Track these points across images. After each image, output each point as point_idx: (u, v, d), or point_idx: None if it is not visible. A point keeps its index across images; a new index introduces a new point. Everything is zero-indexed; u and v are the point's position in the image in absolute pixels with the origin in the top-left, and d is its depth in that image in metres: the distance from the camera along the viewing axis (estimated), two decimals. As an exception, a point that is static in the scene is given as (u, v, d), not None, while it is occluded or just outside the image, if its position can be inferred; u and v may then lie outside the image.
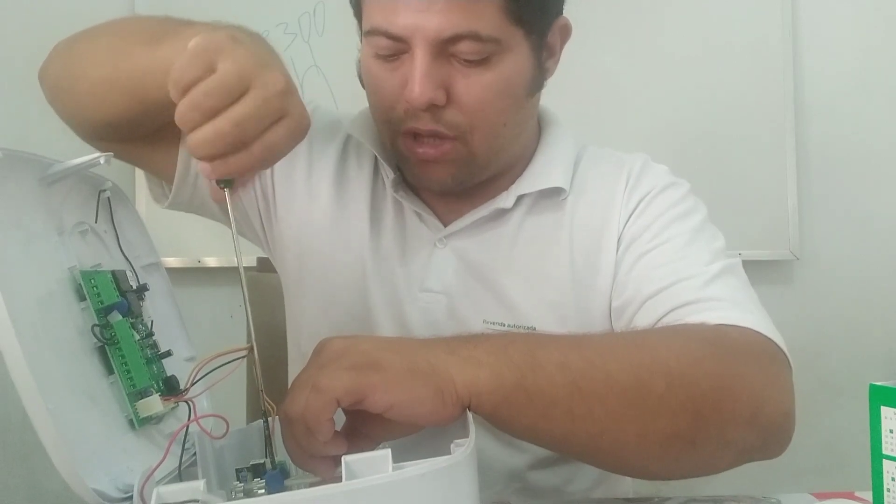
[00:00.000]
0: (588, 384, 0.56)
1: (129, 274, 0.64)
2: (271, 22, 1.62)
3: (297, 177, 0.82)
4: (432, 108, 0.69)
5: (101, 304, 0.57)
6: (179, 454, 0.55)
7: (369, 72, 0.74)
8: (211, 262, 1.63)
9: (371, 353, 0.53)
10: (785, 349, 0.66)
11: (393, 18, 0.67)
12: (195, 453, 0.57)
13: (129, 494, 0.49)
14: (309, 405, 0.51)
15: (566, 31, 0.78)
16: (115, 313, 0.58)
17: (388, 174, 0.80)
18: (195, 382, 0.55)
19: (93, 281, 0.57)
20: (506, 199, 0.78)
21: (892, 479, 0.54)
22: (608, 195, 0.79)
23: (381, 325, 0.78)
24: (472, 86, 0.70)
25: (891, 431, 0.54)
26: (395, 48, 0.69)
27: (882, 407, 0.54)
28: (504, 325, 0.76)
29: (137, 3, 1.64)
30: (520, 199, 0.79)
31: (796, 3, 1.68)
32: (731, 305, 0.68)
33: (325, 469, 0.53)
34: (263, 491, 0.53)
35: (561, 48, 0.79)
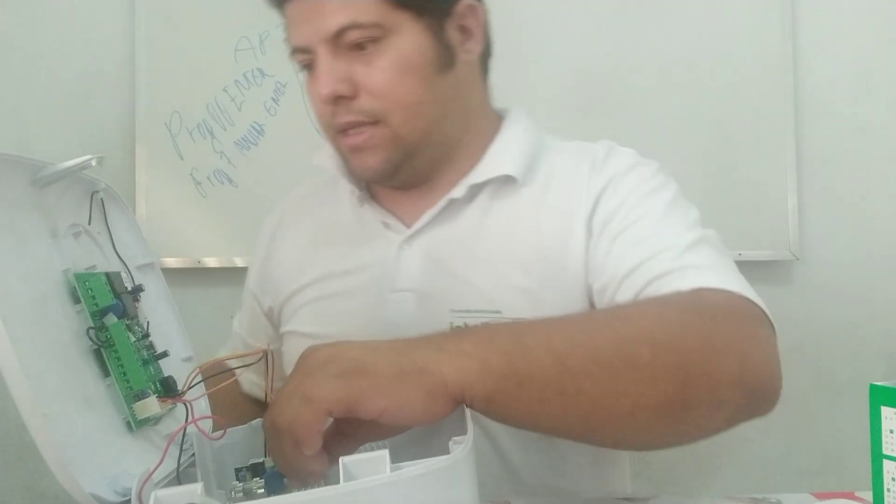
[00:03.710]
0: (575, 362, 0.55)
1: (123, 275, 0.64)
2: (272, 22, 1.62)
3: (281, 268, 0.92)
4: (344, 101, 0.76)
5: (96, 306, 0.57)
6: (178, 455, 0.55)
7: (307, 88, 0.82)
8: (211, 262, 1.63)
9: (359, 358, 0.53)
10: (766, 309, 0.67)
11: (296, 33, 0.78)
12: (193, 454, 0.56)
13: (128, 498, 0.49)
14: (299, 416, 0.50)
15: (475, 11, 0.81)
16: (110, 315, 0.58)
17: (353, 192, 0.87)
18: (192, 386, 0.55)
19: (87, 283, 0.57)
20: (458, 191, 0.81)
21: (893, 480, 0.54)
22: (573, 179, 0.81)
23: (362, 328, 0.81)
24: (373, 71, 0.76)
25: (891, 431, 0.54)
26: (308, 59, 0.78)
27: (882, 407, 0.54)
28: (470, 312, 0.77)
29: (137, 4, 1.64)
30: (476, 190, 0.82)
31: (796, 4, 1.68)
32: (707, 270, 0.69)
33: (314, 477, 0.52)
34: (263, 491, 0.53)
35: (481, 29, 0.82)
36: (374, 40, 0.75)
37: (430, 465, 0.44)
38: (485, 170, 0.82)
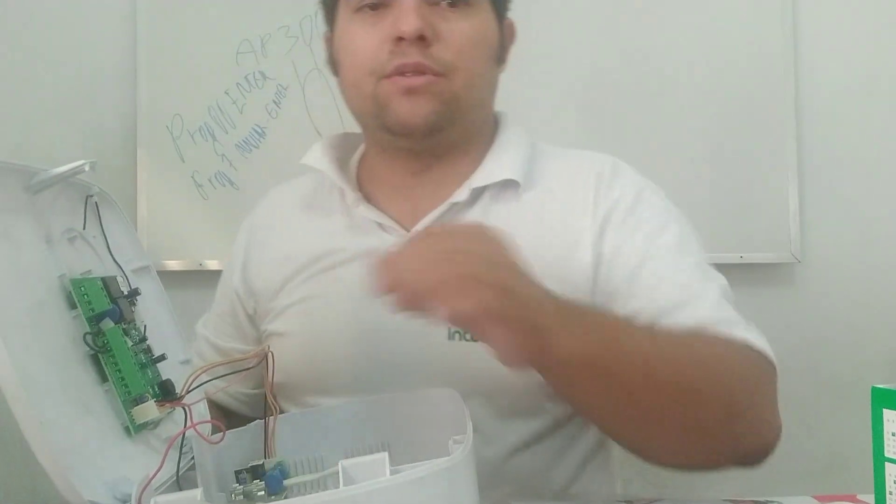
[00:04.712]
0: (654, 381, 0.61)
1: (119, 279, 0.63)
2: (273, 25, 1.63)
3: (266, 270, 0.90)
4: (420, 44, 0.75)
5: (93, 311, 0.57)
6: (177, 459, 0.55)
7: (349, 34, 0.80)
8: (212, 264, 1.63)
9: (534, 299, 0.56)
10: (774, 359, 0.73)
11: None
12: (193, 457, 0.56)
13: None
14: (485, 303, 0.51)
15: (512, 31, 0.88)
16: (106, 320, 0.57)
17: (348, 194, 0.85)
18: (190, 390, 0.55)
19: (83, 289, 0.57)
20: (460, 194, 0.82)
21: (895, 482, 0.54)
22: (576, 190, 0.82)
23: (353, 328, 0.81)
24: (454, 29, 0.78)
25: (893, 434, 0.54)
26: None
27: (884, 410, 0.54)
28: None
29: (139, 7, 1.64)
30: (477, 193, 0.82)
31: (797, 6, 1.68)
32: (738, 324, 0.73)
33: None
34: (263, 493, 0.53)
35: (509, 47, 0.87)
36: (463, 3, 0.78)
37: (429, 467, 0.44)
38: (487, 173, 0.82)
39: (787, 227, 1.65)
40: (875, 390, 0.55)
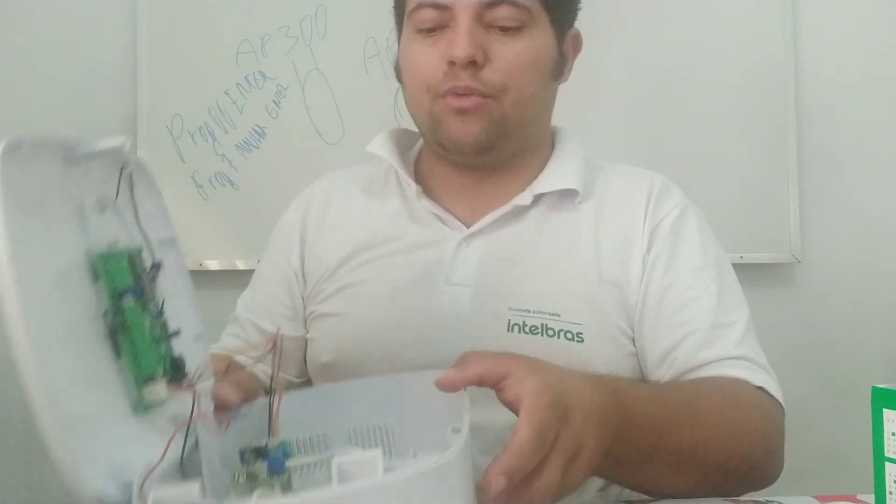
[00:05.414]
0: (679, 471, 0.67)
1: (144, 253, 0.64)
2: (273, 25, 1.63)
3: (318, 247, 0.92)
4: (472, 68, 0.78)
5: (115, 288, 0.58)
6: (182, 445, 0.55)
7: (410, 51, 0.84)
8: (212, 265, 1.63)
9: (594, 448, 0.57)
10: (782, 403, 0.78)
11: None
12: (197, 438, 0.56)
13: (129, 496, 0.49)
14: (566, 490, 0.54)
15: (578, 42, 0.89)
16: (128, 297, 0.58)
17: (410, 185, 0.88)
18: (199, 380, 0.55)
19: (108, 264, 0.58)
20: (524, 198, 0.85)
21: (895, 482, 0.54)
22: (628, 203, 0.87)
23: (412, 314, 0.84)
24: (507, 52, 0.80)
25: (893, 434, 0.54)
26: (438, 20, 0.80)
27: (884, 410, 0.54)
28: (529, 311, 0.81)
29: (139, 4, 1.64)
30: (537, 198, 0.86)
31: (797, 6, 1.68)
32: (761, 370, 0.78)
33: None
34: (265, 476, 0.53)
35: (573, 58, 0.90)
36: (516, 27, 0.80)
37: (422, 466, 0.44)
38: (549, 181, 0.86)
39: (787, 227, 1.65)
40: (875, 390, 0.55)
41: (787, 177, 1.65)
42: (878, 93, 1.70)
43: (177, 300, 0.67)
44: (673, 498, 0.70)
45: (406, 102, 0.88)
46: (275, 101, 1.64)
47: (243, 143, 1.65)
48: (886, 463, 0.54)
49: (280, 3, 1.63)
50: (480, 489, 0.49)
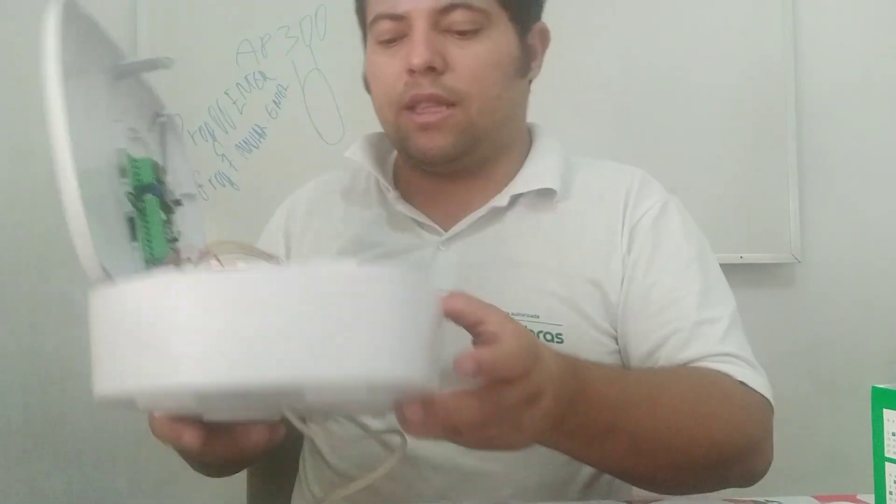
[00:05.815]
0: (640, 453, 0.67)
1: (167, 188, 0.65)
2: (273, 25, 1.63)
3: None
4: (432, 74, 0.77)
5: (140, 181, 0.60)
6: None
7: (372, 62, 0.83)
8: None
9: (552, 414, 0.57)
10: (771, 399, 0.77)
11: (394, 2, 0.78)
12: None
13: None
14: (503, 445, 0.57)
15: (545, 36, 0.88)
16: (150, 196, 0.60)
17: (388, 190, 0.87)
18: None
19: (136, 163, 0.60)
20: (501, 199, 0.85)
21: (895, 482, 0.54)
22: (609, 203, 0.85)
23: None
24: (466, 55, 0.78)
25: (893, 434, 0.54)
26: (396, 30, 0.79)
27: (884, 410, 0.54)
28: (508, 314, 0.78)
29: (139, 4, 1.64)
30: (514, 199, 0.85)
31: (797, 6, 1.68)
32: (747, 366, 0.77)
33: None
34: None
35: (542, 52, 0.89)
36: (473, 30, 0.78)
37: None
38: (526, 181, 0.85)
39: (787, 227, 1.65)
40: (875, 390, 0.55)
41: (787, 177, 1.65)
42: (877, 93, 1.70)
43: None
44: (649, 486, 0.72)
45: (376, 113, 0.87)
46: (275, 101, 1.64)
47: (243, 144, 1.65)
48: (886, 463, 0.54)
49: (280, 3, 1.63)
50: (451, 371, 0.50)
